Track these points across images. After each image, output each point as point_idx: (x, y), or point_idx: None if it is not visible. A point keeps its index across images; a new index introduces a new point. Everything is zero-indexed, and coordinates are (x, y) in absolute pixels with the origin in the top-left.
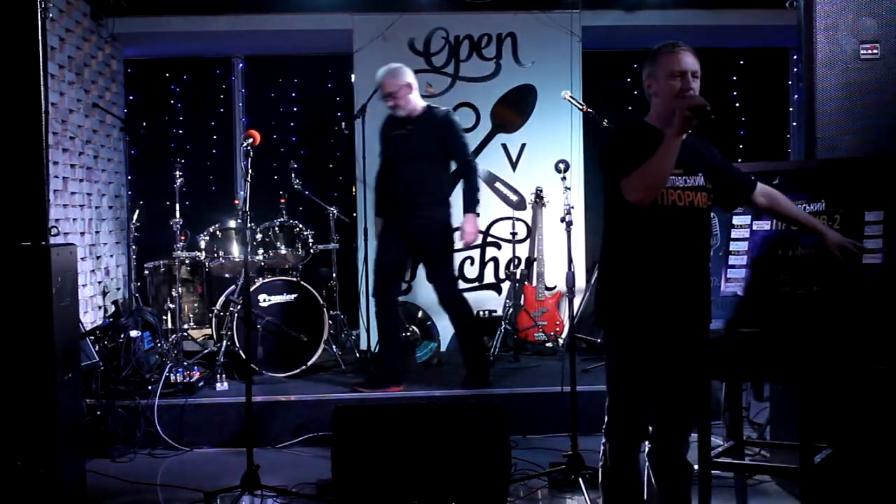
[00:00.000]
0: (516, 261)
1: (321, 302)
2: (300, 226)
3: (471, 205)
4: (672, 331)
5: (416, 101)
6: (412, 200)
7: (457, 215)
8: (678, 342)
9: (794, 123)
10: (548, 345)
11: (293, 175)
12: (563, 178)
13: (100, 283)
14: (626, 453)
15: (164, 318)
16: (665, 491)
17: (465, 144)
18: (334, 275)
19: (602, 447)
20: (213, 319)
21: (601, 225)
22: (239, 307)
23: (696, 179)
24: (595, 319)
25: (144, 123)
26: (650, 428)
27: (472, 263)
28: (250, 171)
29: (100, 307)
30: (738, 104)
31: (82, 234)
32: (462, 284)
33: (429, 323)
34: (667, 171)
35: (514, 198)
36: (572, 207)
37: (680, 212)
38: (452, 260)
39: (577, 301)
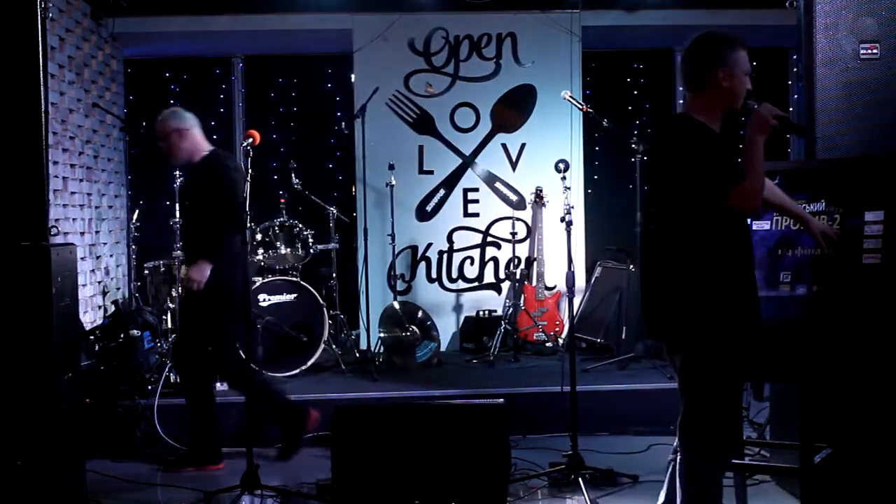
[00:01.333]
0: (516, 261)
1: (321, 302)
2: (300, 226)
3: (207, 251)
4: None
5: (192, 149)
6: (187, 258)
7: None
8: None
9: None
10: (548, 345)
11: (293, 175)
12: (563, 178)
13: (100, 283)
14: (722, 472)
15: (164, 318)
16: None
17: (229, 189)
18: (334, 275)
19: (685, 467)
20: None
21: (601, 225)
22: None
23: None
24: (672, 337)
25: (144, 123)
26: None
27: (472, 263)
28: (250, 170)
29: (100, 307)
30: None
31: (82, 234)
32: (462, 284)
33: (429, 323)
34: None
35: (513, 198)
36: (572, 207)
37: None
38: (224, 328)
39: (577, 301)
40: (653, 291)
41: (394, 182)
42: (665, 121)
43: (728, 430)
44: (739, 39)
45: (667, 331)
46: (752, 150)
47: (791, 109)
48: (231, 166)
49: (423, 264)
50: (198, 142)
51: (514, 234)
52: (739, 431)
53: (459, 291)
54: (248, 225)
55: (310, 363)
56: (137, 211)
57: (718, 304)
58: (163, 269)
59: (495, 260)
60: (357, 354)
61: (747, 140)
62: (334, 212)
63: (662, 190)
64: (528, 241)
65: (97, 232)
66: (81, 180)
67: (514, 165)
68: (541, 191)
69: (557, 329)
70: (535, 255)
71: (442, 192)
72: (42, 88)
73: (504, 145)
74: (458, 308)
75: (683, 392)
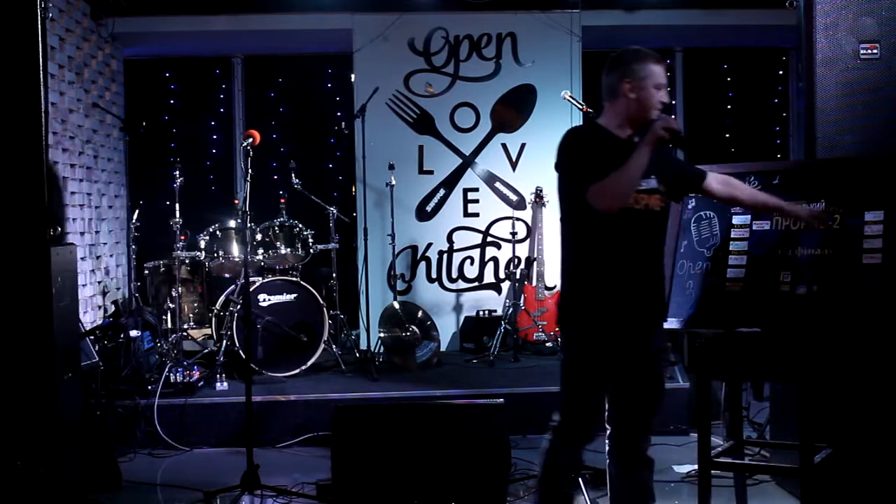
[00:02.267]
0: (516, 260)
1: (321, 302)
2: (300, 226)
3: None
4: (632, 329)
5: None
6: None
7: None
8: (637, 340)
9: (794, 123)
10: (548, 344)
11: (293, 175)
12: None
13: (100, 283)
14: (575, 454)
15: (164, 318)
16: (629, 488)
17: None
18: (334, 275)
19: (548, 444)
20: (213, 319)
21: None
22: (239, 307)
23: (650, 182)
24: (557, 320)
25: (144, 123)
26: (607, 427)
27: (472, 263)
28: (250, 170)
29: (100, 307)
30: (738, 104)
31: (82, 234)
32: (462, 284)
33: (429, 323)
34: (637, 182)
35: (513, 198)
36: None
37: (637, 214)
38: None
39: None
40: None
41: (394, 182)
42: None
43: (580, 419)
44: (652, 55)
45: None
46: (633, 156)
47: (791, 109)
48: None
49: (423, 264)
50: None
51: (514, 234)
52: (592, 421)
53: (459, 291)
54: (249, 225)
55: (310, 363)
56: (137, 211)
57: (582, 298)
58: (163, 269)
59: (495, 260)
60: (357, 354)
61: (636, 147)
62: (334, 212)
63: (559, 186)
64: (528, 241)
65: (97, 232)
66: (81, 180)
67: (514, 165)
68: (541, 191)
69: (557, 329)
70: (535, 255)
71: (442, 192)
72: (42, 88)
73: (504, 145)
74: (458, 308)
75: None
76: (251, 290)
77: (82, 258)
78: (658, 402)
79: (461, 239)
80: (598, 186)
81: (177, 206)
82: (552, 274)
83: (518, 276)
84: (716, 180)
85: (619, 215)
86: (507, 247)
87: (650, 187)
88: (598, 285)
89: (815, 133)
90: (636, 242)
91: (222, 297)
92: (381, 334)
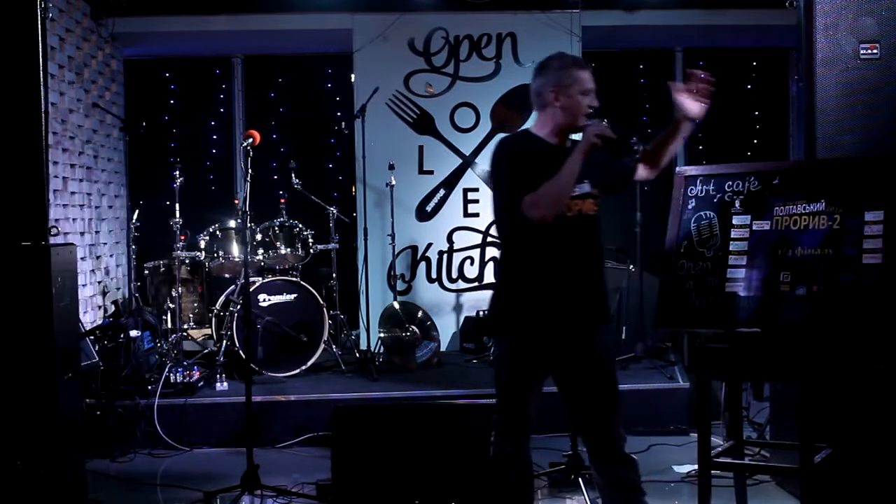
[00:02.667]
0: None
1: (321, 302)
2: (300, 226)
3: None
4: (567, 334)
5: None
6: None
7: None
8: (575, 344)
9: (794, 123)
10: None
11: (293, 175)
12: None
13: (100, 283)
14: (513, 444)
15: (164, 318)
16: (615, 489)
17: None
18: (334, 275)
19: (495, 438)
20: (213, 319)
21: (602, 225)
22: (239, 307)
23: (582, 187)
24: (486, 328)
25: (144, 123)
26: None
27: (472, 263)
28: (250, 170)
29: (100, 307)
30: (738, 104)
31: (82, 234)
32: (462, 284)
33: (429, 323)
34: (569, 191)
35: None
36: None
37: (569, 221)
38: None
39: None
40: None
41: (394, 182)
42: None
43: (509, 417)
44: (578, 61)
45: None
46: (566, 165)
47: (791, 109)
48: None
49: (423, 264)
50: None
51: None
52: (520, 419)
53: (459, 291)
54: (249, 225)
55: (310, 363)
56: (137, 211)
57: (511, 305)
58: (163, 269)
59: (495, 260)
60: (357, 354)
61: (569, 155)
62: (334, 212)
63: (493, 196)
64: None
65: (97, 232)
66: (81, 180)
67: None
68: None
69: None
70: None
71: (442, 192)
72: (42, 88)
73: None
74: (458, 308)
75: None
76: (251, 290)
77: (82, 258)
78: (614, 401)
79: (461, 239)
80: (531, 197)
81: (177, 206)
82: None
83: None
84: (641, 165)
85: (553, 223)
86: None
87: (583, 192)
88: (529, 293)
89: (815, 133)
90: (570, 248)
91: (222, 297)
92: (381, 334)
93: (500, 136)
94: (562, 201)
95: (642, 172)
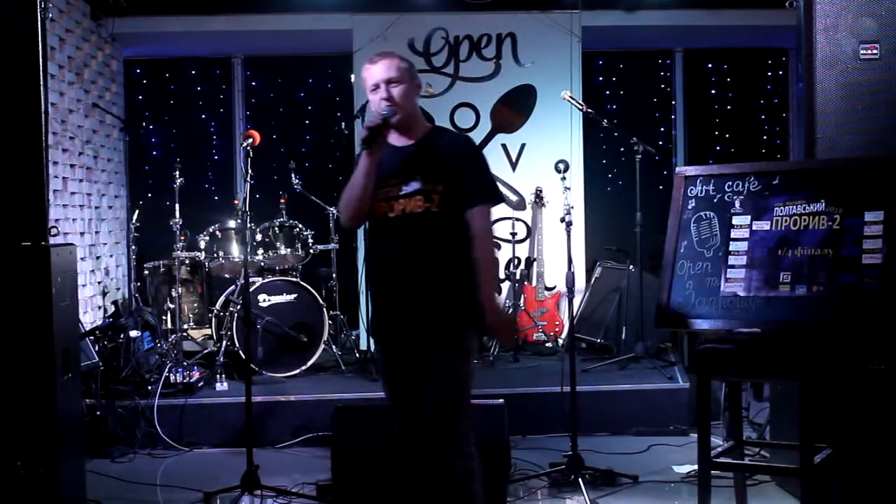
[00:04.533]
0: (516, 261)
1: (321, 302)
2: (300, 226)
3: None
4: (399, 337)
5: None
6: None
7: None
8: (407, 347)
9: (794, 123)
10: (548, 345)
11: (293, 175)
12: (563, 178)
13: (100, 283)
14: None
15: (164, 318)
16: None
17: None
18: (334, 275)
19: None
20: (213, 319)
21: (601, 225)
22: (239, 307)
23: (411, 186)
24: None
25: (144, 123)
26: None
27: None
28: (250, 171)
29: (100, 307)
30: (738, 104)
31: (82, 234)
32: None
33: None
34: (360, 190)
35: (513, 198)
36: (572, 207)
37: (393, 222)
38: None
39: (577, 301)
40: None
41: None
42: None
43: (397, 413)
44: (371, 57)
45: None
46: (357, 168)
47: (791, 109)
48: None
49: None
50: None
51: (514, 234)
52: (404, 422)
53: None
54: (249, 225)
55: (310, 363)
56: (137, 211)
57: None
58: (163, 269)
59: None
60: (357, 354)
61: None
62: (334, 212)
63: None
64: (527, 241)
65: (97, 232)
66: (81, 180)
67: (514, 166)
68: (541, 191)
69: (557, 329)
70: (535, 256)
71: None
72: (42, 88)
73: (504, 145)
74: None
75: None
76: (251, 290)
77: (82, 258)
78: (443, 410)
79: None
80: (339, 201)
81: (177, 206)
82: (552, 274)
83: (518, 277)
84: (469, 222)
85: (376, 225)
86: (507, 247)
87: (411, 191)
88: (371, 297)
89: (815, 133)
90: (394, 250)
91: (222, 298)
92: None
93: None
94: (358, 203)
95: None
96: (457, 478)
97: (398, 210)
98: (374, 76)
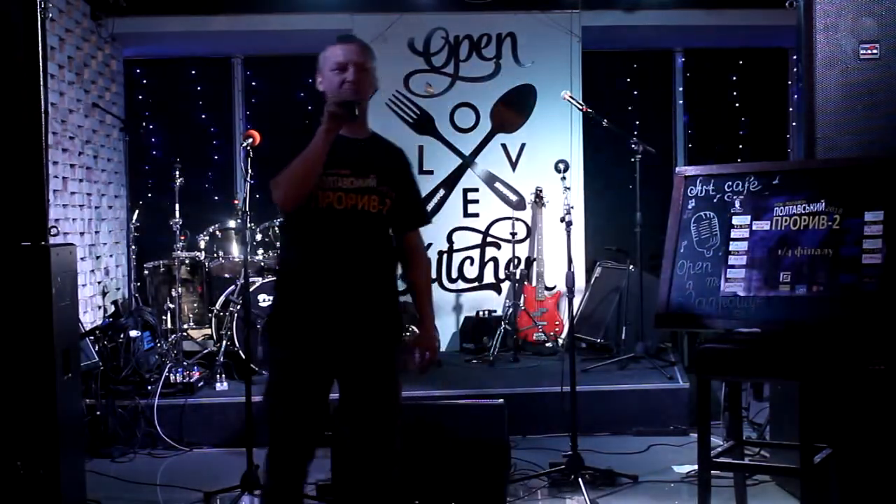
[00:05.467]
0: (516, 261)
1: None
2: None
3: None
4: (339, 345)
5: None
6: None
7: None
8: (347, 356)
9: (794, 123)
10: (548, 345)
11: None
12: (563, 178)
13: (100, 283)
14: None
15: (164, 318)
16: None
17: None
18: None
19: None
20: (213, 319)
21: (601, 225)
22: (239, 307)
23: (367, 181)
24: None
25: (144, 123)
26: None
27: (471, 263)
28: (250, 171)
29: (100, 307)
30: (738, 104)
31: (82, 234)
32: (462, 285)
33: None
34: (310, 170)
35: (513, 198)
36: (572, 207)
37: (339, 215)
38: None
39: (576, 301)
40: None
41: None
42: None
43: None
44: (339, 38)
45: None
46: (311, 143)
47: (791, 109)
48: None
49: None
50: None
51: (513, 234)
52: (297, 439)
53: (459, 292)
54: (249, 225)
55: None
56: (137, 211)
57: (279, 307)
58: (163, 269)
59: (495, 260)
60: None
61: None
62: None
63: None
64: (527, 241)
65: (97, 232)
66: (81, 180)
67: (513, 165)
68: (541, 191)
69: (557, 329)
70: (535, 256)
71: (442, 192)
72: (42, 88)
73: (504, 145)
74: (458, 308)
75: None
76: (251, 290)
77: (82, 258)
78: (390, 424)
79: (461, 239)
80: (274, 179)
81: (177, 206)
82: (552, 274)
83: (518, 277)
84: (411, 242)
85: (317, 215)
86: (506, 247)
87: (366, 186)
88: (298, 296)
89: (815, 133)
90: (340, 246)
91: (222, 298)
92: None
93: None
94: (309, 182)
95: (407, 245)
96: (394, 489)
97: (348, 203)
98: (345, 55)
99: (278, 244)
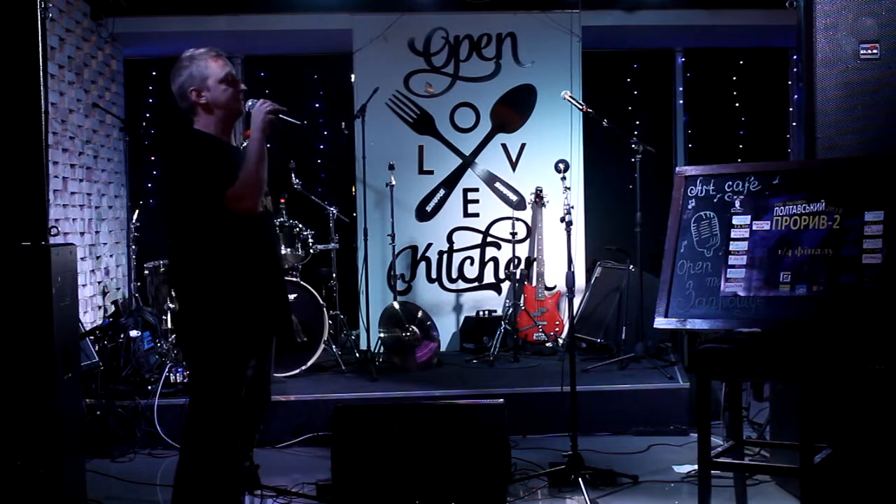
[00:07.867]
0: (516, 261)
1: (321, 302)
2: (300, 226)
3: None
4: (280, 333)
5: None
6: None
7: None
8: (269, 344)
9: (794, 123)
10: (548, 345)
11: (293, 175)
12: (563, 178)
13: (100, 283)
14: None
15: (164, 317)
16: None
17: None
18: (334, 275)
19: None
20: None
21: (601, 225)
22: None
23: None
24: (190, 338)
25: (144, 123)
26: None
27: (472, 263)
28: None
29: (100, 307)
30: (738, 104)
31: (82, 234)
32: (462, 284)
33: (429, 323)
34: (264, 174)
35: (513, 198)
36: (572, 207)
37: (265, 217)
38: None
39: (577, 301)
40: (179, 301)
41: (394, 182)
42: (172, 137)
43: (227, 436)
44: (207, 52)
45: (182, 335)
46: (250, 149)
47: (791, 109)
48: None
49: (423, 264)
50: None
51: (514, 234)
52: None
53: (459, 291)
54: None
55: (310, 363)
56: (137, 211)
57: (225, 304)
58: (163, 269)
59: (495, 260)
60: (357, 354)
61: (250, 139)
62: (334, 212)
63: (172, 202)
64: (528, 241)
65: (97, 232)
66: (81, 180)
67: (514, 165)
68: (541, 191)
69: (557, 329)
70: (535, 256)
71: (442, 192)
72: (42, 88)
73: (504, 145)
74: (458, 308)
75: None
76: None
77: (82, 258)
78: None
79: (461, 239)
80: (234, 189)
81: None
82: (552, 274)
83: (518, 277)
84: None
85: (251, 218)
86: (507, 247)
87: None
88: (250, 289)
89: (815, 133)
90: (272, 244)
91: None
92: (381, 334)
93: (177, 132)
94: (262, 186)
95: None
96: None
97: (263, 205)
98: (228, 68)
99: (198, 249)
